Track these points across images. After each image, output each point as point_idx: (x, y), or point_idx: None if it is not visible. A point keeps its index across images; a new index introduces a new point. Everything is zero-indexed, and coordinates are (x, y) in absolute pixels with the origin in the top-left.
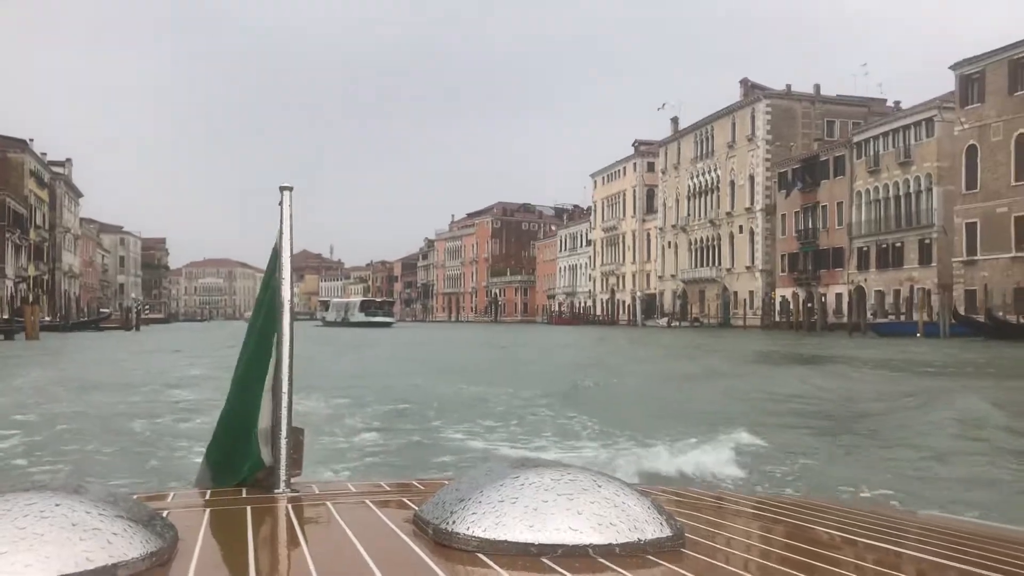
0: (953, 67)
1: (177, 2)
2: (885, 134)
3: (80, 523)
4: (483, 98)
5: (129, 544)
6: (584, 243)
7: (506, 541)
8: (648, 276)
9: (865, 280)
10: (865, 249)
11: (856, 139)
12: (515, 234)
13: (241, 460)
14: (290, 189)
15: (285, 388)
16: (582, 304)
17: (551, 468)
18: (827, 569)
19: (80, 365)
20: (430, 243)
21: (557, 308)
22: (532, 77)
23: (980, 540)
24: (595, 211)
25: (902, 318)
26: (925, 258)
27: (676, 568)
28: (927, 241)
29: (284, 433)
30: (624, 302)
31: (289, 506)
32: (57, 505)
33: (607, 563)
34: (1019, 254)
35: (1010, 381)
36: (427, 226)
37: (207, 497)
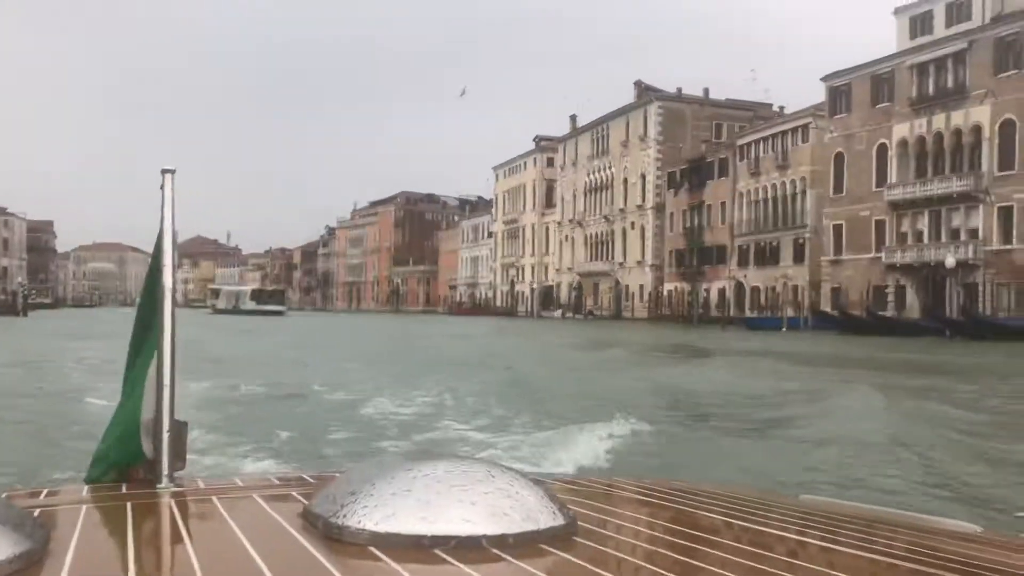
0: (824, 79)
1: None
2: (765, 138)
3: None
4: (389, 86)
5: None
6: (486, 235)
7: (398, 534)
8: (547, 268)
9: (745, 276)
10: (745, 247)
11: (739, 143)
12: (419, 224)
13: (124, 454)
14: (172, 172)
15: (167, 379)
16: (483, 295)
17: (445, 459)
18: (712, 553)
19: None
20: (331, 231)
21: (458, 299)
22: (440, 66)
23: (857, 521)
24: (497, 204)
25: (779, 313)
26: (799, 257)
27: (568, 556)
28: (800, 241)
29: (166, 425)
30: (523, 293)
31: (172, 502)
32: None
33: (500, 553)
34: (877, 255)
35: (828, 368)
36: (329, 214)
37: (83, 494)
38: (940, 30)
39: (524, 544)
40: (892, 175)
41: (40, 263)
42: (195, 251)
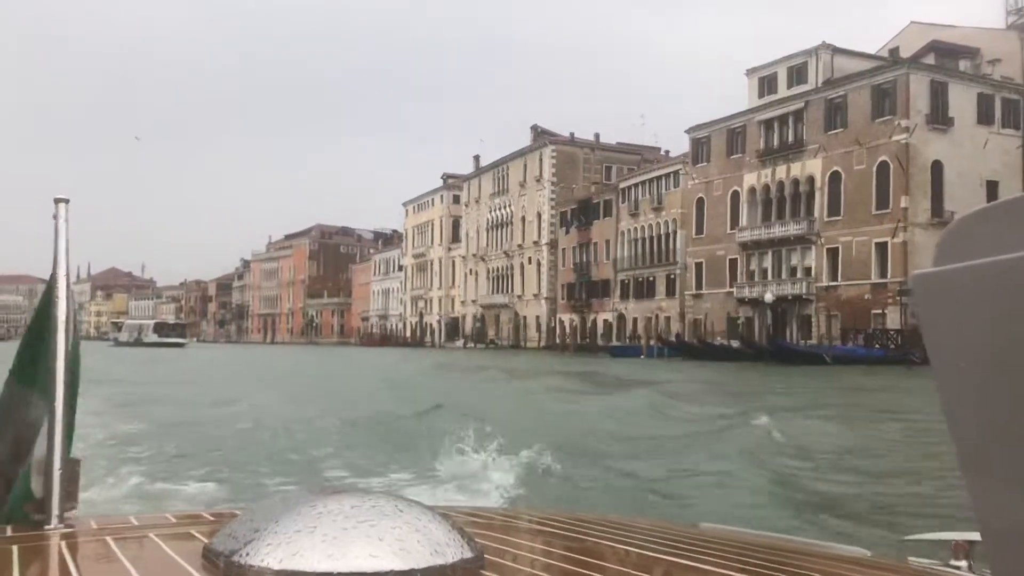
0: (688, 131)
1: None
2: (644, 182)
3: None
4: (305, 119)
5: None
6: (396, 268)
7: (304, 572)
8: (453, 301)
9: (626, 308)
10: (627, 281)
11: (621, 185)
12: (333, 257)
13: (12, 493)
14: (66, 201)
15: (59, 415)
16: (394, 326)
17: (350, 494)
18: None
19: None
20: (246, 264)
21: (371, 330)
22: (356, 100)
23: (755, 549)
24: (407, 238)
25: (652, 343)
26: (671, 291)
27: None
28: (672, 276)
29: (57, 464)
30: (432, 325)
31: (63, 543)
32: None
33: None
34: (731, 290)
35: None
36: (244, 246)
37: None
38: (783, 90)
39: None
40: (743, 219)
41: None
42: (109, 283)
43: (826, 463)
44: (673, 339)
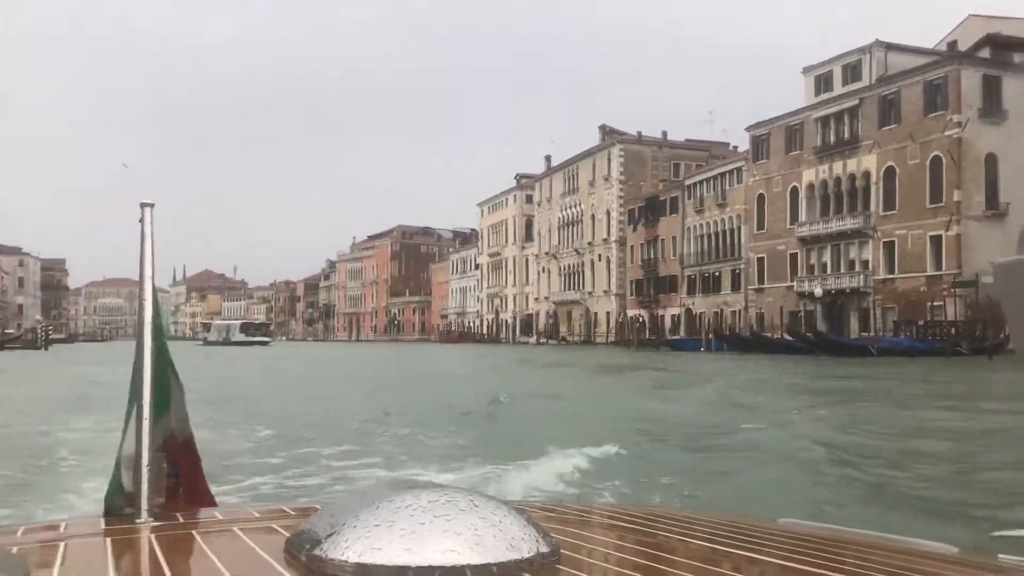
0: (748, 129)
1: (72, 22)
2: (708, 179)
3: None
4: (388, 122)
5: None
6: (473, 266)
7: (382, 565)
8: (527, 298)
9: (693, 303)
10: (693, 277)
11: (687, 182)
12: (414, 256)
13: (112, 486)
14: (151, 205)
15: (147, 412)
16: (471, 323)
17: (428, 489)
18: None
19: (7, 377)
20: (332, 264)
21: (449, 327)
22: (434, 104)
23: (836, 544)
24: (482, 237)
25: (711, 337)
26: (736, 285)
27: None
28: (737, 271)
29: (146, 459)
30: (507, 321)
31: (152, 536)
32: None
33: None
34: (791, 284)
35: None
36: (330, 247)
37: (62, 529)
38: (838, 87)
39: (509, 573)
40: (802, 214)
41: (53, 300)
42: (203, 285)
43: (877, 454)
44: (727, 333)
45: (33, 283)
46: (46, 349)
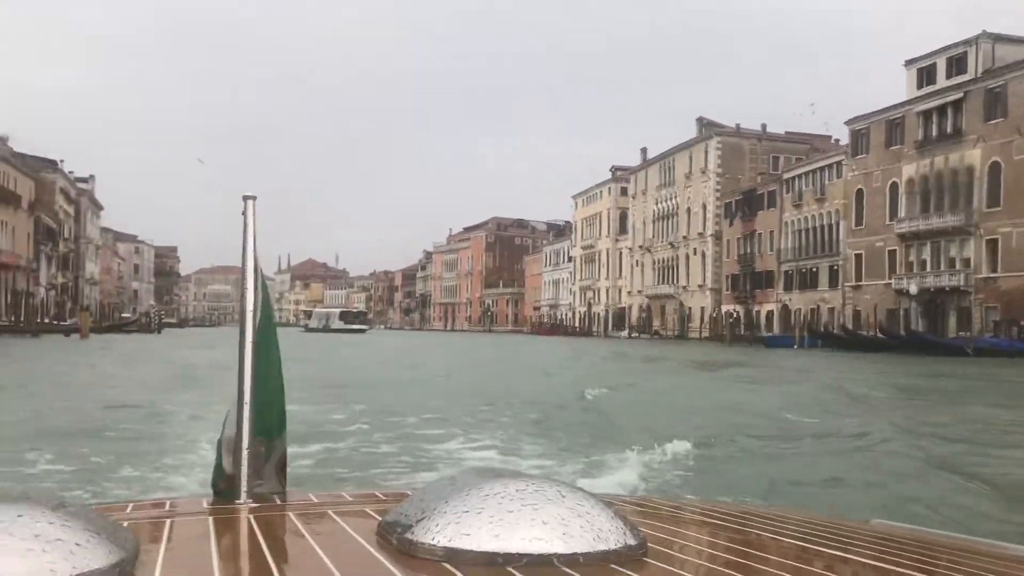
0: (847, 123)
1: (184, 14)
2: (807, 173)
3: (43, 534)
4: (486, 112)
5: (92, 555)
6: (566, 259)
7: (471, 551)
8: (620, 291)
9: (789, 299)
10: (790, 272)
11: (785, 176)
12: (508, 248)
13: (216, 468)
14: (253, 198)
15: (247, 396)
16: (563, 316)
17: (516, 479)
18: None
19: (129, 356)
20: (428, 255)
21: (542, 319)
22: (528, 95)
23: (933, 548)
24: (575, 230)
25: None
26: (833, 282)
27: None
28: (835, 267)
29: (246, 443)
30: (599, 314)
31: (251, 516)
32: (19, 516)
33: (572, 572)
34: (889, 281)
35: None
36: (427, 239)
37: (167, 508)
38: (942, 80)
39: (595, 564)
40: (902, 210)
41: (165, 286)
42: (306, 273)
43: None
44: (821, 330)
45: (147, 270)
46: (159, 333)
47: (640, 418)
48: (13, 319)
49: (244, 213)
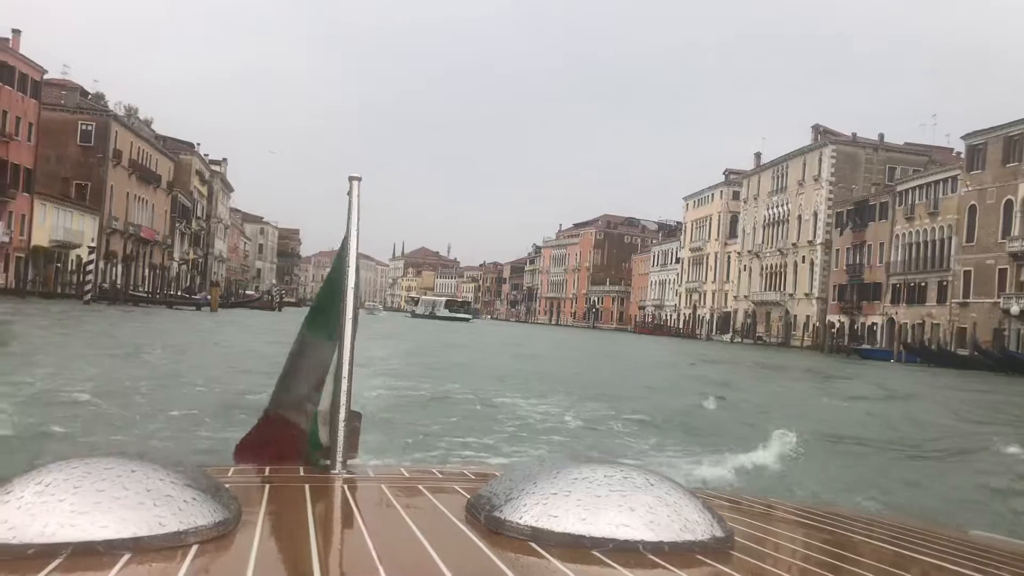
0: (963, 137)
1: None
2: (921, 186)
3: (154, 489)
4: (605, 111)
5: (198, 512)
6: (674, 260)
7: (558, 532)
8: (726, 295)
9: (896, 313)
10: (898, 286)
11: (898, 188)
12: (617, 246)
13: (310, 440)
14: (359, 179)
15: (345, 372)
16: (668, 316)
17: (604, 464)
18: None
19: (256, 329)
20: (537, 249)
21: (646, 319)
22: (645, 96)
23: None
24: (685, 231)
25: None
26: (942, 297)
27: (725, 568)
28: (944, 283)
29: (342, 415)
30: (704, 317)
31: (344, 487)
32: (133, 471)
33: (657, 560)
34: (997, 300)
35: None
36: (537, 233)
37: (267, 473)
38: None
39: (681, 553)
40: (1015, 228)
41: (287, 266)
42: (419, 261)
43: None
44: (918, 345)
45: (271, 250)
46: (279, 311)
47: (752, 424)
48: (150, 291)
49: (349, 193)
